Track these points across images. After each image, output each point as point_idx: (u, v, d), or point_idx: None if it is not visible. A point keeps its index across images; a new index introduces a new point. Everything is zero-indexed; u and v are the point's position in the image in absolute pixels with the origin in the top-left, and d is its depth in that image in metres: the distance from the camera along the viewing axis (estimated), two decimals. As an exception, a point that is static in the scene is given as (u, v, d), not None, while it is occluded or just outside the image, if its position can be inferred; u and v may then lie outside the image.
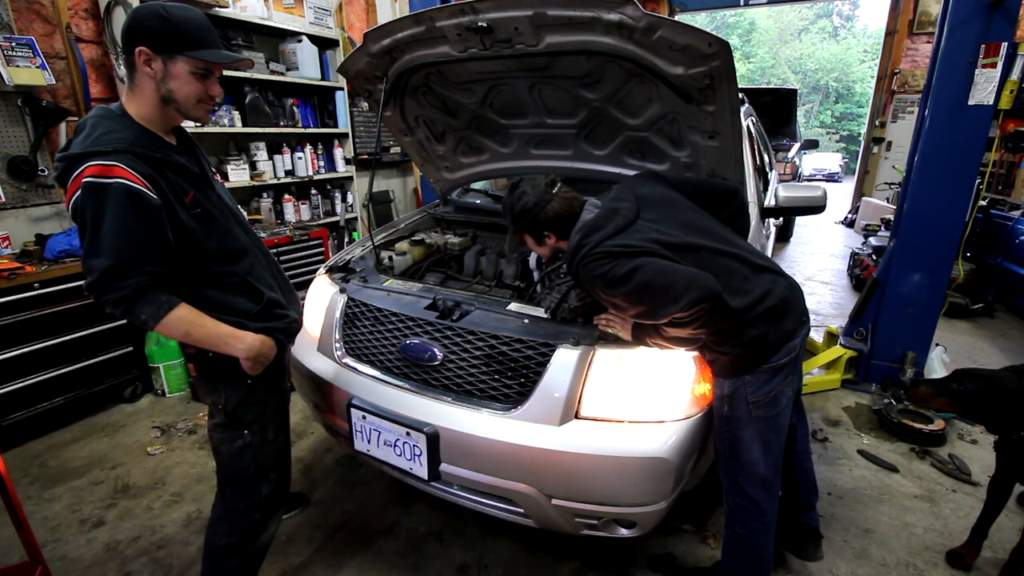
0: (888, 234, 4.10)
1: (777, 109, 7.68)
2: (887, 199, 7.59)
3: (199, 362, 1.44)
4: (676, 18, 7.16)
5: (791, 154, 8.29)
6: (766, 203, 2.51)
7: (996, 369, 1.78)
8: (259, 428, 1.49)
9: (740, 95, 1.93)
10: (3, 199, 2.82)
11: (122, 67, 3.06)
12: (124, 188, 1.17)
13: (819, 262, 6.51)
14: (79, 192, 1.17)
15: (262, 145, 3.92)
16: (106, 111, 1.29)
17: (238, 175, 3.73)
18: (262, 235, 3.52)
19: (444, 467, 1.60)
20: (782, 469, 1.59)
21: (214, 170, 1.53)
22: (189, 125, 3.18)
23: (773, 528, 1.59)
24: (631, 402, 1.51)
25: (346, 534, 2.07)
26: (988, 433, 1.79)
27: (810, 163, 18.89)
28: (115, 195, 1.17)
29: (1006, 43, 2.49)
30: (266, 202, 4.03)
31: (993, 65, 2.52)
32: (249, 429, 1.48)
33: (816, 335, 3.83)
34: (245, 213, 3.72)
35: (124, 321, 2.95)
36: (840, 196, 11.16)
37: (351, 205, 4.77)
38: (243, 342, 1.37)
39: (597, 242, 1.36)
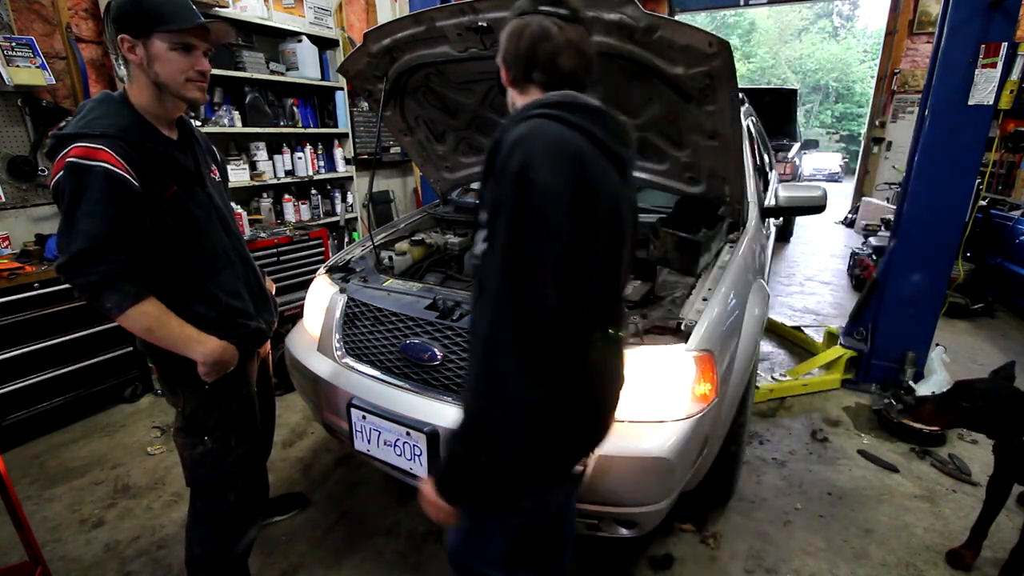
0: (888, 234, 4.10)
1: (777, 109, 7.68)
2: (887, 199, 7.59)
3: (158, 362, 1.43)
4: (676, 18, 7.17)
5: (791, 154, 8.29)
6: (766, 203, 2.51)
7: (989, 378, 1.80)
8: (220, 435, 1.47)
9: (740, 95, 1.93)
10: (3, 199, 2.82)
11: (123, 67, 3.07)
12: (105, 172, 1.17)
13: (819, 262, 6.51)
14: (61, 172, 1.17)
15: (262, 145, 3.92)
16: (107, 96, 1.30)
17: (238, 175, 3.74)
18: (262, 235, 3.53)
19: (444, 467, 1.60)
20: None
21: (214, 168, 1.52)
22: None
23: None
24: (631, 401, 1.50)
25: (346, 534, 2.07)
26: (988, 438, 1.80)
27: (810, 163, 18.86)
28: (96, 178, 1.17)
29: (1006, 43, 2.49)
30: (266, 202, 4.03)
31: (993, 65, 2.52)
32: (210, 435, 1.45)
33: (816, 335, 3.83)
34: (245, 214, 3.72)
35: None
36: (840, 196, 11.15)
37: (351, 205, 4.77)
38: (204, 347, 1.34)
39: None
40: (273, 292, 1.78)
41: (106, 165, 1.17)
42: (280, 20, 3.91)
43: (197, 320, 1.36)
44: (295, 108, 4.16)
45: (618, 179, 0.94)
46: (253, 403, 1.59)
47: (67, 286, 2.62)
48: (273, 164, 4.00)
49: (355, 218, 4.82)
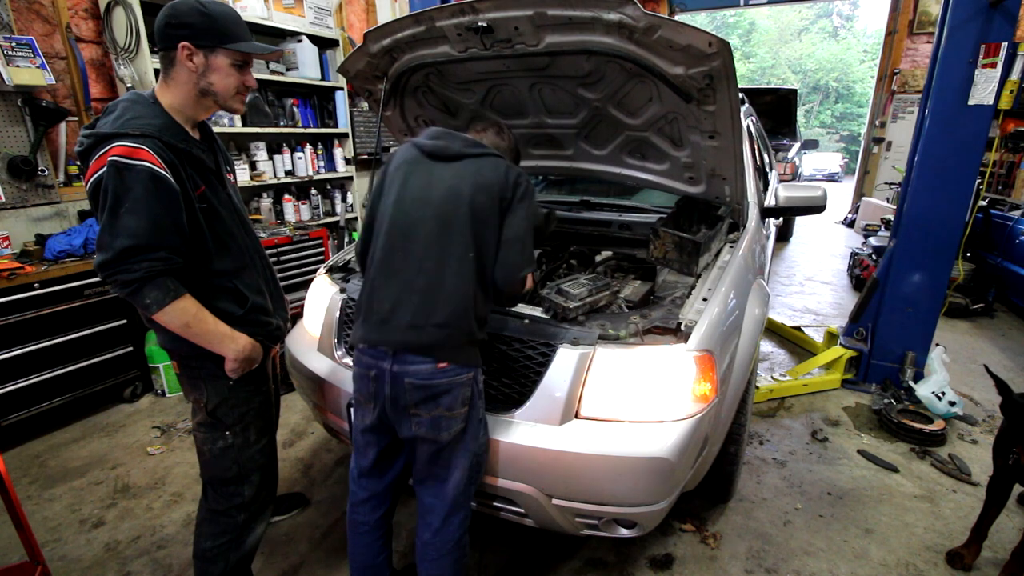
0: (888, 234, 4.10)
1: (777, 109, 7.67)
2: (887, 199, 7.59)
3: (181, 359, 1.45)
4: (676, 18, 7.16)
5: (791, 154, 8.29)
6: (766, 203, 2.51)
7: None
8: (241, 429, 1.49)
9: (740, 95, 1.93)
10: (3, 199, 2.82)
11: (123, 67, 3.07)
12: (149, 171, 1.20)
13: (819, 262, 6.51)
14: (104, 169, 1.19)
15: (262, 145, 3.92)
16: (139, 96, 1.32)
17: (238, 175, 3.72)
18: (262, 235, 3.52)
19: (444, 467, 1.60)
20: None
21: (229, 169, 1.54)
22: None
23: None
24: (631, 402, 1.51)
25: (345, 534, 2.07)
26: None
27: (810, 163, 18.88)
28: (140, 177, 1.19)
29: (1006, 43, 2.49)
30: (266, 202, 4.03)
31: (993, 65, 2.52)
32: (231, 430, 1.48)
33: (816, 335, 3.83)
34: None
35: (124, 321, 2.95)
36: (840, 196, 11.16)
37: (351, 205, 4.77)
38: (236, 343, 1.38)
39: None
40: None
41: (149, 164, 1.20)
42: (280, 20, 3.91)
43: (226, 317, 1.39)
44: (295, 108, 4.16)
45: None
46: (271, 399, 1.63)
47: (67, 286, 2.65)
48: (273, 164, 4.00)
49: (355, 218, 4.82)
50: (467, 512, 1.47)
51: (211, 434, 1.48)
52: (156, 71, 2.85)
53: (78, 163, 3.07)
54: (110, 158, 1.18)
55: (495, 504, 1.65)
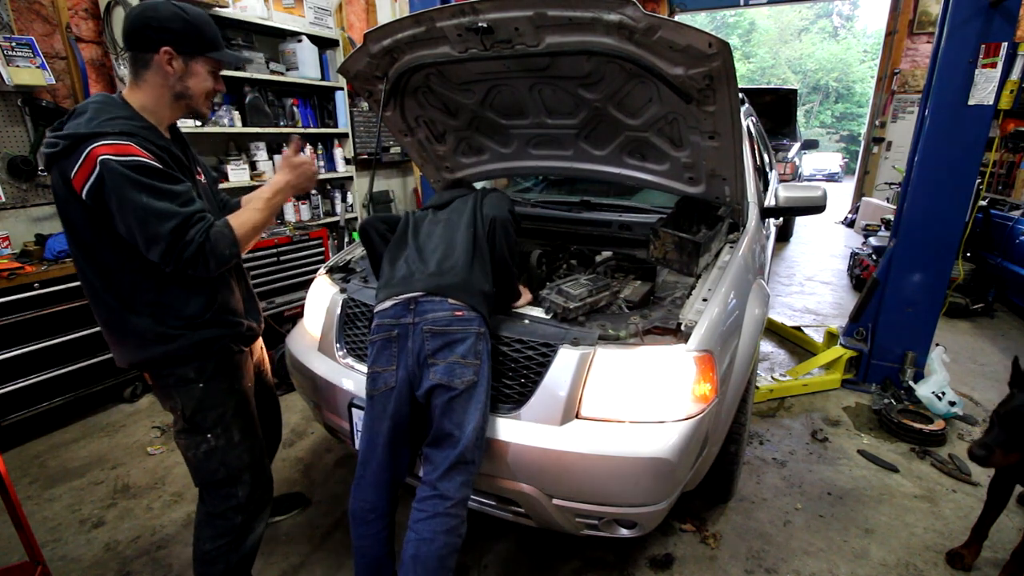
0: (888, 234, 4.10)
1: (777, 109, 7.68)
2: (887, 199, 7.59)
3: (150, 370, 1.44)
4: (676, 18, 7.17)
5: (791, 154, 8.29)
6: (766, 203, 2.51)
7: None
8: (222, 431, 1.48)
9: (740, 95, 1.92)
10: (3, 199, 2.82)
11: (123, 66, 3.07)
12: (143, 163, 1.21)
13: (819, 262, 6.52)
14: (97, 171, 1.17)
15: (262, 145, 3.92)
16: (108, 98, 1.31)
17: (238, 175, 3.73)
18: (262, 235, 3.53)
19: (444, 467, 1.60)
20: None
21: (199, 169, 1.54)
22: (185, 125, 3.17)
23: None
24: (632, 402, 1.51)
25: (346, 534, 2.06)
26: None
27: (810, 163, 18.88)
28: (137, 169, 1.20)
29: (1006, 43, 2.49)
30: (266, 202, 4.02)
31: (993, 65, 2.52)
32: (211, 433, 1.47)
33: (816, 335, 3.83)
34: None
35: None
36: (840, 196, 11.16)
37: (351, 205, 4.77)
38: (275, 184, 1.49)
39: None
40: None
41: (139, 158, 1.21)
42: (280, 20, 3.92)
43: (191, 316, 1.39)
44: (295, 108, 4.16)
45: None
46: (249, 398, 1.61)
47: (67, 286, 2.65)
48: (273, 164, 4.00)
49: (355, 218, 4.82)
50: (470, 476, 1.45)
51: (192, 440, 1.47)
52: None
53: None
54: (100, 158, 1.17)
55: (496, 504, 1.65)
